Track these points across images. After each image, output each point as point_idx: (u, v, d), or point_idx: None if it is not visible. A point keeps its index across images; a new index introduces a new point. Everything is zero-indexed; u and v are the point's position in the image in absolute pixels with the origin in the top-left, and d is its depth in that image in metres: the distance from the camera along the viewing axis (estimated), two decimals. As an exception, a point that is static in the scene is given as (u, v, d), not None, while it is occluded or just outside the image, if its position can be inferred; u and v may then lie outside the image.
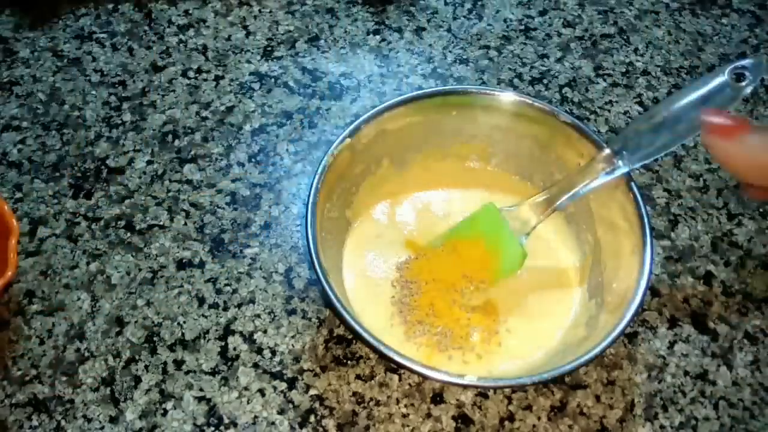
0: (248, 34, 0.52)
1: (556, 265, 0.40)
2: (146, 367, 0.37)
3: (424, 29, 0.53)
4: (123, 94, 0.48)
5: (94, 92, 0.48)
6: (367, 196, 0.41)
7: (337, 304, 0.32)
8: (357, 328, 0.32)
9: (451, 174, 0.42)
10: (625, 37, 0.54)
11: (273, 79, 0.49)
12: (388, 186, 0.41)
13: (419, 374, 0.31)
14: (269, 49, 0.51)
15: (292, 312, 0.39)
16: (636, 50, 0.53)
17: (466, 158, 0.42)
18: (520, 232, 0.38)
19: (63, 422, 0.35)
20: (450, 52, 0.51)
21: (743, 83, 0.31)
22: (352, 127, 0.37)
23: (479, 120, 0.40)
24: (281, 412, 0.36)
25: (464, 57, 0.51)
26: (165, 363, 0.37)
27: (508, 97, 0.39)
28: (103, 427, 0.35)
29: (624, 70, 0.52)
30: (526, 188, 0.42)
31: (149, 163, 0.45)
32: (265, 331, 0.38)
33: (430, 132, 0.40)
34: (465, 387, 0.31)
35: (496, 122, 0.40)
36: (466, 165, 0.42)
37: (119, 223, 0.42)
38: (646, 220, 0.36)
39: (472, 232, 0.38)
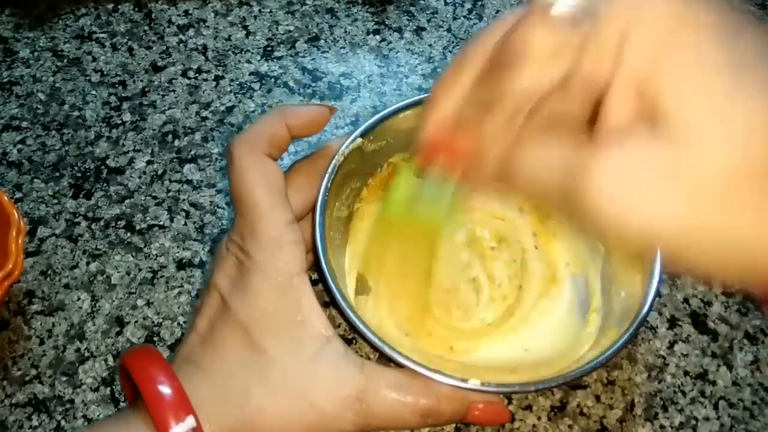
0: (248, 34, 0.52)
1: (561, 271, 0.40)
2: (146, 367, 0.37)
3: (424, 29, 0.53)
4: (123, 94, 0.48)
5: (94, 92, 0.48)
6: (377, 195, 0.40)
7: (342, 303, 0.32)
8: (360, 326, 0.32)
9: None
10: (625, 37, 0.54)
11: (273, 79, 0.49)
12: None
13: (423, 377, 0.31)
14: (269, 49, 0.51)
15: (292, 312, 0.39)
16: (636, 50, 0.53)
17: None
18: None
19: (63, 422, 0.36)
20: (450, 52, 0.51)
21: None
22: (363, 127, 0.37)
23: None
24: (281, 412, 0.36)
25: (464, 57, 0.51)
26: (165, 363, 0.37)
27: None
28: (103, 427, 0.35)
29: (624, 70, 0.52)
30: None
31: (149, 163, 0.45)
32: (265, 331, 0.38)
33: None
34: (468, 390, 0.31)
35: None
36: None
37: (119, 223, 0.42)
38: None
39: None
